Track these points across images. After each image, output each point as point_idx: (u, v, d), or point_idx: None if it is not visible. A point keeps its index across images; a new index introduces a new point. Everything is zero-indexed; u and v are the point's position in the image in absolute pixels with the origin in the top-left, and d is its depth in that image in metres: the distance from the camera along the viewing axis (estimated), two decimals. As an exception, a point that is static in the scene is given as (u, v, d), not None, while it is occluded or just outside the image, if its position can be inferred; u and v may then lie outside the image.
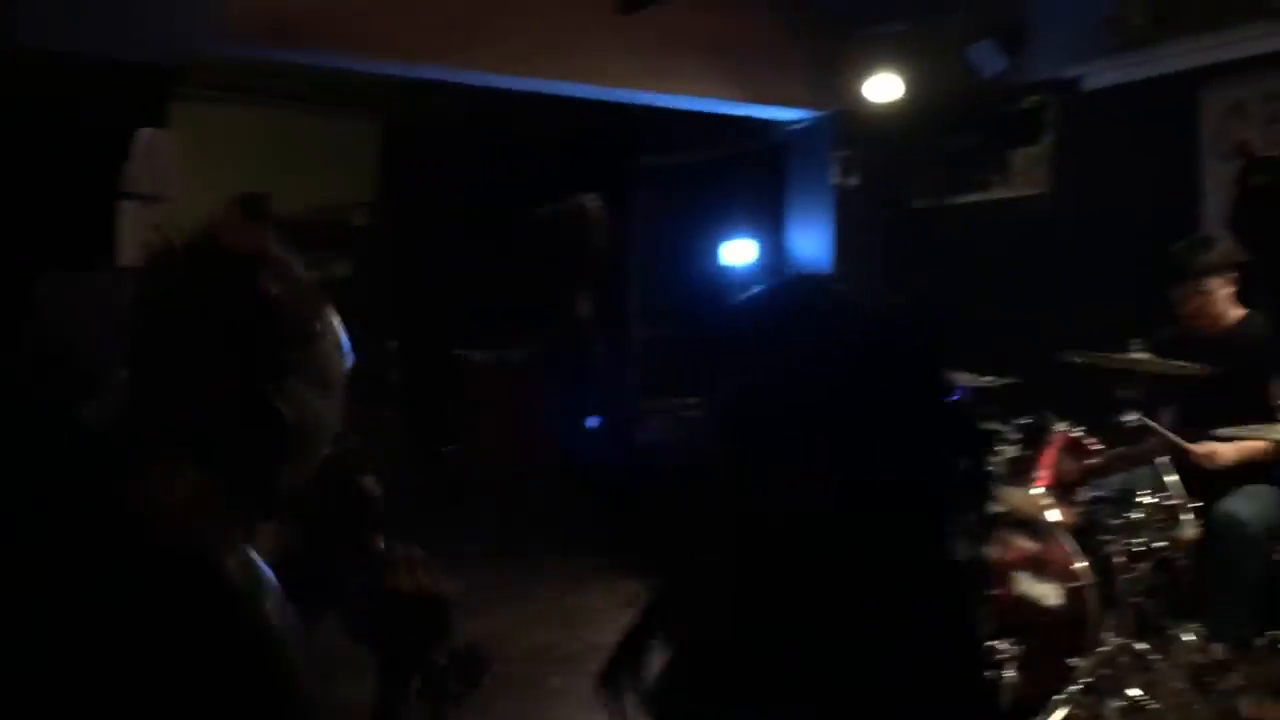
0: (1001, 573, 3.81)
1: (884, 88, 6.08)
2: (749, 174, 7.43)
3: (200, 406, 1.18)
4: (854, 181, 6.54)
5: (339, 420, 1.29)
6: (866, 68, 6.12)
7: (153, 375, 1.21)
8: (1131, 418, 3.68)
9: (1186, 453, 3.79)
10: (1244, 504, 3.76)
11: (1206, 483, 3.86)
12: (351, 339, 1.32)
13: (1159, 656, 3.55)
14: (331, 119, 7.48)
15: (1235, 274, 4.11)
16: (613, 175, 7.95)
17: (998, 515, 4.04)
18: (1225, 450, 3.84)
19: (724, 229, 7.16)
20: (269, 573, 1.20)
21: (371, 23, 5.23)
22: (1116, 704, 3.45)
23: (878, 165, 6.52)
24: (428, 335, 7.18)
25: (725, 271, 7.08)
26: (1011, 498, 3.95)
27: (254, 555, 1.21)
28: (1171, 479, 3.73)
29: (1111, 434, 3.84)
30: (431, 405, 7.18)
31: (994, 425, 4.19)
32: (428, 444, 6.94)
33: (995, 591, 3.72)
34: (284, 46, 5.11)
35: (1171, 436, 3.68)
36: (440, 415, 7.23)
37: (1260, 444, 3.78)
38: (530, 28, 5.57)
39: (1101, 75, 5.39)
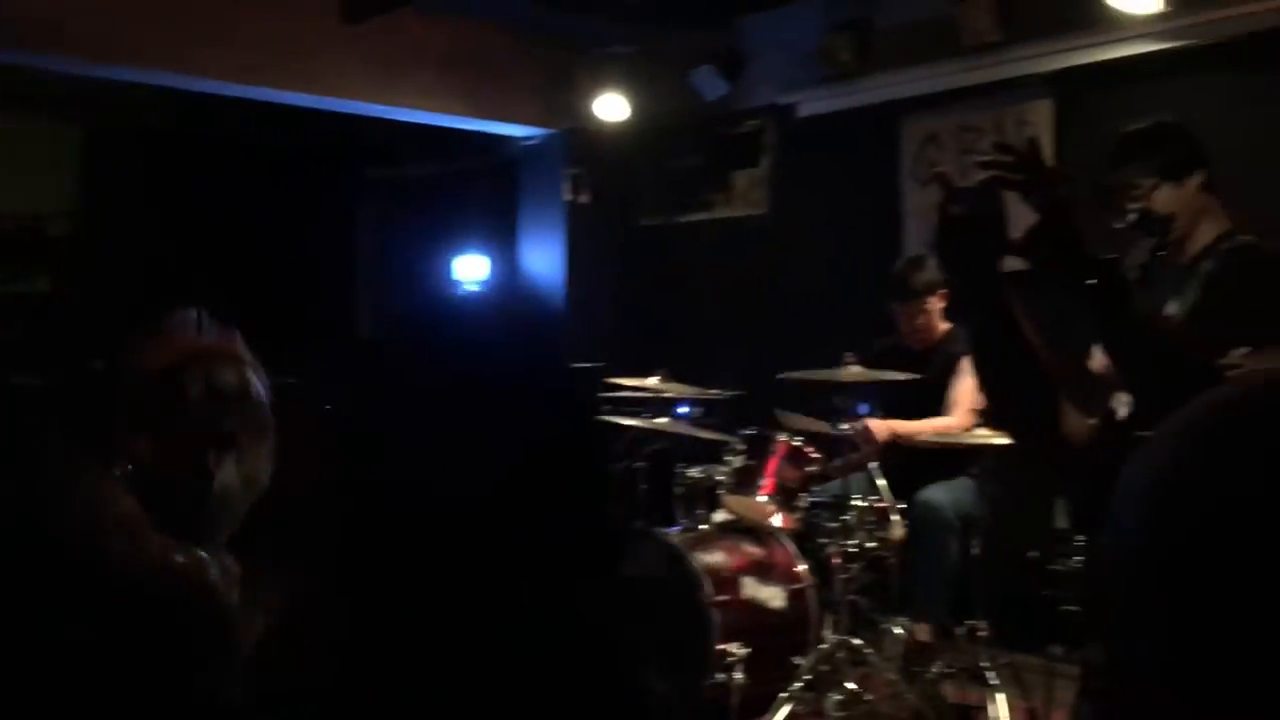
0: (730, 578, 3.96)
1: (612, 108, 6.22)
2: (482, 189, 7.41)
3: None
4: (585, 198, 6.65)
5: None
6: (595, 88, 6.24)
7: None
8: (846, 426, 3.91)
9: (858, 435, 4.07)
10: (941, 493, 4.09)
11: (911, 481, 4.17)
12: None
13: (872, 650, 3.79)
14: (25, 122, 6.91)
15: (944, 291, 4.45)
16: (338, 186, 7.75)
17: (726, 523, 4.21)
18: (881, 426, 4.12)
19: (457, 243, 7.11)
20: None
21: (82, 22, 4.90)
22: (836, 698, 3.65)
23: (608, 183, 6.66)
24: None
25: (457, 286, 7.03)
26: (737, 505, 4.11)
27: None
28: (882, 482, 3.99)
29: (830, 442, 4.07)
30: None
31: (721, 436, 4.36)
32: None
33: (724, 597, 3.85)
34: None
35: (881, 487, 3.91)
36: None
37: (919, 427, 4.08)
38: (253, 33, 5.36)
39: (814, 103, 5.72)
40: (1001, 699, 3.65)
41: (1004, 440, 3.91)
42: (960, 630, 4.02)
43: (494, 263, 7.08)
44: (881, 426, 4.13)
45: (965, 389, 4.20)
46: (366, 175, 7.84)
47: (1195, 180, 2.93)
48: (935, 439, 3.96)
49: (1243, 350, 2.59)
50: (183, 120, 6.75)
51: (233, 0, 5.31)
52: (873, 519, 3.97)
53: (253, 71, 5.42)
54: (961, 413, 4.21)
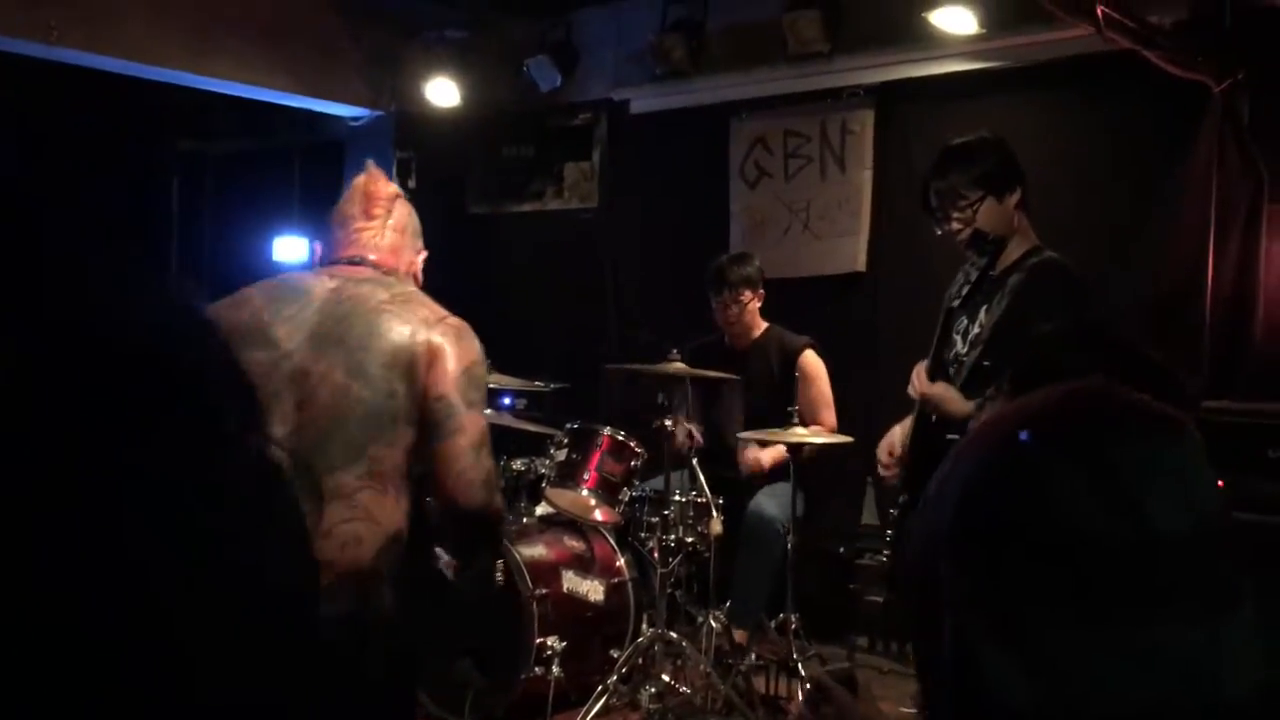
0: (552, 571, 3.95)
1: (443, 92, 6.11)
2: (304, 169, 7.18)
3: None
4: (412, 183, 6.51)
5: None
6: (427, 71, 6.13)
7: None
8: (668, 421, 3.95)
9: (740, 462, 4.19)
10: (770, 502, 4.19)
11: (733, 481, 4.26)
12: None
13: (687, 643, 3.84)
14: None
15: (762, 289, 4.56)
16: (146, 158, 7.37)
17: (547, 516, 4.20)
18: (768, 459, 4.28)
19: (277, 223, 6.87)
20: None
21: None
22: (651, 690, 3.69)
23: (436, 169, 6.54)
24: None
25: (277, 267, 6.79)
26: (560, 499, 4.10)
27: None
28: (701, 479, 4.05)
29: (648, 438, 4.10)
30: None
31: (544, 429, 4.34)
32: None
33: (545, 590, 3.85)
34: None
35: (702, 481, 4.01)
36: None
37: (781, 449, 4.23)
38: (57, -8, 5.05)
39: (647, 100, 5.76)
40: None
41: (830, 440, 4.06)
42: (773, 623, 4.13)
43: (314, 244, 6.87)
44: (763, 459, 4.27)
45: (820, 393, 4.34)
46: (176, 147, 7.49)
47: (1013, 197, 3.09)
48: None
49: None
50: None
51: (38, -46, 4.99)
52: (692, 514, 4.03)
53: (57, 33, 5.10)
54: (829, 415, 4.35)
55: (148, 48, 5.45)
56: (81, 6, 5.14)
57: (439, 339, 2.12)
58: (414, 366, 2.08)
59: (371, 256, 2.28)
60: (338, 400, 2.04)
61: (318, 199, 6.99)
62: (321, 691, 0.47)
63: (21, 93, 6.33)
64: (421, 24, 6.21)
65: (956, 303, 3.01)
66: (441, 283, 7.15)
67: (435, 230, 7.42)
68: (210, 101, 6.23)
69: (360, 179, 2.40)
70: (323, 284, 2.17)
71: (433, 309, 2.20)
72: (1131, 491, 0.76)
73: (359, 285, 2.18)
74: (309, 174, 7.16)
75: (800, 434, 3.97)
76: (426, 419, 2.08)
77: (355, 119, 6.57)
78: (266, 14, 5.80)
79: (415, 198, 6.43)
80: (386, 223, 2.34)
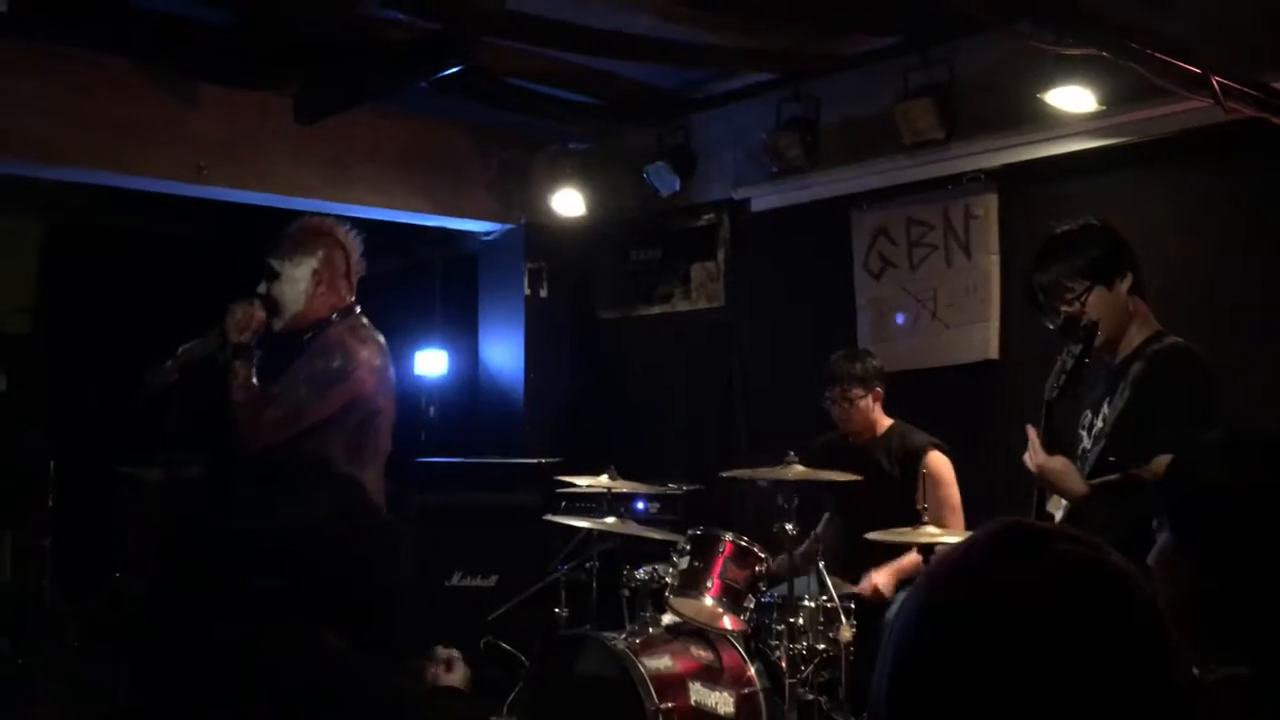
0: (678, 683, 3.88)
1: (569, 203, 6.26)
2: (442, 284, 7.42)
3: None
4: (544, 292, 6.66)
5: None
6: (552, 183, 6.29)
7: None
8: (790, 526, 3.87)
9: (853, 595, 4.06)
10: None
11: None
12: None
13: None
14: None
15: (881, 385, 4.45)
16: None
17: (674, 626, 4.13)
18: (885, 580, 4.13)
19: (417, 338, 7.09)
20: None
21: (39, 129, 4.95)
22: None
23: (566, 276, 6.68)
24: (89, 451, 6.65)
25: (418, 381, 7.00)
26: (685, 608, 4.04)
27: None
28: (829, 584, 3.93)
29: (775, 542, 4.02)
30: (95, 527, 6.63)
31: (668, 536, 4.31)
32: (93, 572, 6.39)
33: (671, 704, 3.77)
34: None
35: (830, 586, 3.90)
36: (105, 539, 6.69)
37: (912, 558, 4.07)
38: (206, 135, 5.40)
39: (766, 197, 5.77)
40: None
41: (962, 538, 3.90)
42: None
43: (453, 356, 7.06)
44: (878, 583, 4.13)
45: (946, 498, 4.20)
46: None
47: (1124, 283, 2.96)
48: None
49: (1167, 457, 2.58)
50: (142, 222, 6.79)
51: (187, 102, 5.35)
52: (823, 620, 3.91)
53: (206, 172, 5.44)
54: (955, 520, 4.19)
55: (292, 180, 5.76)
56: (228, 146, 5.48)
57: None
58: None
59: None
60: None
61: (456, 312, 7.21)
62: None
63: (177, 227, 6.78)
64: (546, 138, 6.40)
65: (1055, 393, 2.86)
66: (576, 386, 7.26)
67: (568, 336, 7.58)
68: (356, 226, 6.53)
69: None
70: None
71: None
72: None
73: None
74: (445, 289, 7.39)
75: (931, 533, 3.82)
76: None
77: (487, 233, 6.77)
78: (399, 141, 6.07)
79: (548, 306, 6.63)
80: None
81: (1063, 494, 2.78)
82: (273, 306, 3.57)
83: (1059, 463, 2.80)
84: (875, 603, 4.12)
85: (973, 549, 0.80)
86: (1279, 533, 1.25)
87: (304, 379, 3.45)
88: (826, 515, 4.64)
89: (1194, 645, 1.19)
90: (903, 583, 4.17)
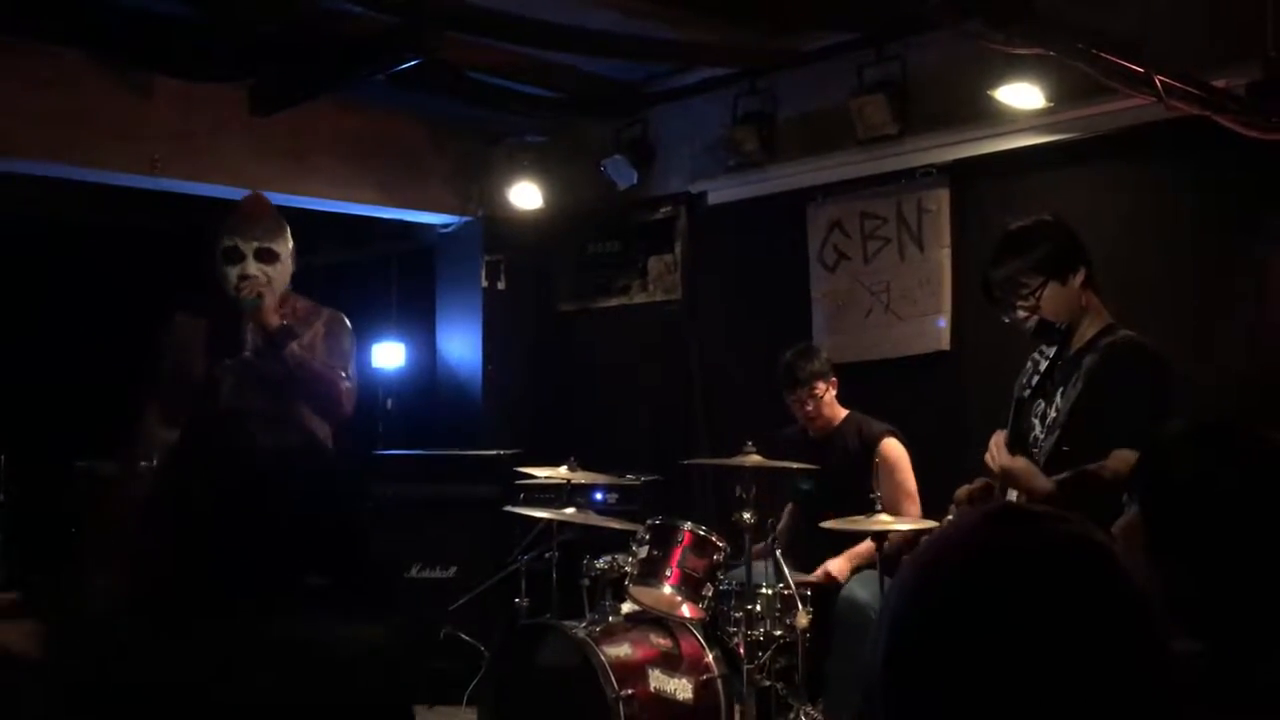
0: (638, 670, 3.93)
1: (526, 195, 6.28)
2: (399, 276, 7.42)
3: None
4: (501, 285, 6.68)
5: None
6: (510, 176, 6.31)
7: None
8: (747, 516, 3.93)
9: (809, 584, 4.13)
10: (863, 589, 4.11)
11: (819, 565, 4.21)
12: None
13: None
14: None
15: (834, 375, 4.54)
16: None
17: (633, 614, 4.19)
18: (840, 566, 4.22)
19: (374, 331, 7.09)
20: None
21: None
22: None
23: (524, 269, 6.70)
24: (40, 446, 6.56)
25: (375, 374, 7.00)
26: (644, 596, 4.09)
27: None
28: (786, 571, 4.00)
29: (733, 531, 4.08)
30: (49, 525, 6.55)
31: (627, 525, 4.36)
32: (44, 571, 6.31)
33: (631, 690, 3.82)
34: None
35: (789, 576, 3.97)
36: (62, 534, 6.61)
37: (868, 545, 4.15)
38: (162, 127, 5.36)
39: (723, 190, 5.82)
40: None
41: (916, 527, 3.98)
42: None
43: (411, 349, 7.07)
44: (832, 569, 4.21)
45: (901, 483, 4.28)
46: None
47: (1077, 278, 3.04)
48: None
49: (1125, 451, 2.66)
50: (90, 214, 6.71)
51: (141, 94, 5.31)
52: (779, 607, 3.98)
53: (161, 164, 5.41)
54: (912, 506, 4.28)
55: (248, 172, 5.73)
56: (183, 138, 5.44)
57: None
58: None
59: None
60: None
61: (413, 305, 7.21)
62: None
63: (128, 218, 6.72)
64: (504, 131, 6.41)
65: (1028, 392, 2.94)
66: (534, 378, 7.26)
67: (527, 328, 7.58)
68: (313, 217, 6.50)
69: None
70: None
71: None
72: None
73: None
74: (401, 282, 7.39)
75: (885, 521, 3.90)
76: None
77: (444, 226, 6.77)
78: (356, 133, 6.05)
79: (506, 298, 6.64)
80: None
81: (1028, 492, 2.84)
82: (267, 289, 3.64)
83: (1022, 463, 2.87)
84: (829, 586, 4.19)
85: (966, 527, 0.84)
86: (1246, 522, 1.30)
87: (335, 356, 3.68)
88: (789, 506, 4.71)
89: None
90: (857, 568, 4.26)
